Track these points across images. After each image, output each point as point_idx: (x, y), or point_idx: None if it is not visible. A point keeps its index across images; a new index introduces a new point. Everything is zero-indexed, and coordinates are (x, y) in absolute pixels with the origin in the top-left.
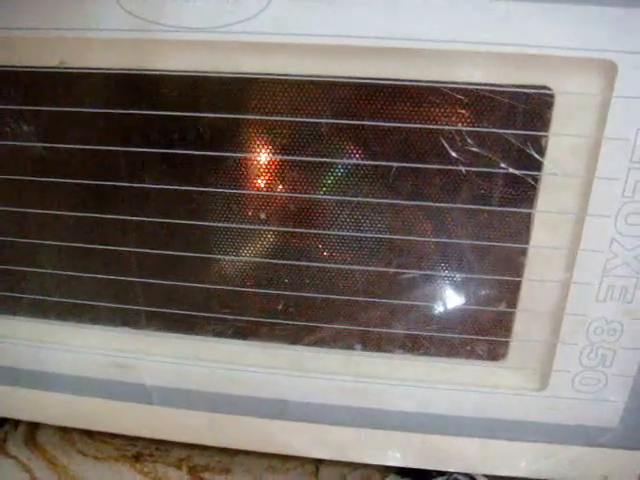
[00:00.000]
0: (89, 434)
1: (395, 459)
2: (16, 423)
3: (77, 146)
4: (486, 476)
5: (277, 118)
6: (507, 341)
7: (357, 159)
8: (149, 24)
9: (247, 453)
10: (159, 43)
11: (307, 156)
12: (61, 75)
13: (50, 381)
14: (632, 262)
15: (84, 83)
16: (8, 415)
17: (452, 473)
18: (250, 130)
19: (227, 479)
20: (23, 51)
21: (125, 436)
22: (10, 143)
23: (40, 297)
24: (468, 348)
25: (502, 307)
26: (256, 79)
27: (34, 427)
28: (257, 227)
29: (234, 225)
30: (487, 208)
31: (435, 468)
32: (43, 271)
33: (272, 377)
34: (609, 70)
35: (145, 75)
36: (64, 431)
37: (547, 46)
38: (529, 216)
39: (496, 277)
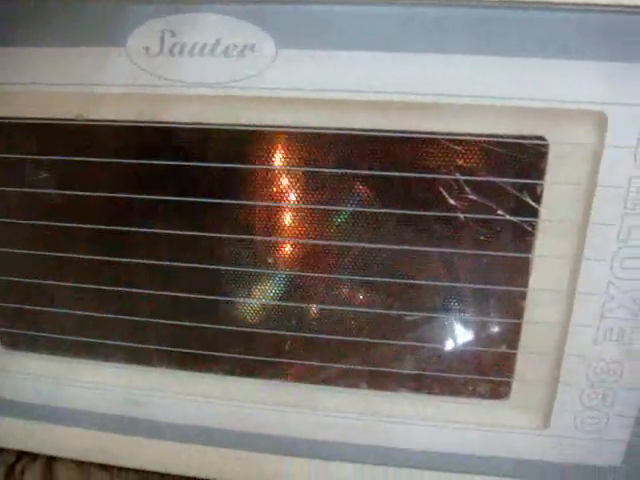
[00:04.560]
0: (105, 468)
1: None
2: (34, 457)
3: (93, 193)
4: None
5: (283, 168)
6: (509, 381)
7: (359, 207)
8: (159, 80)
9: None
10: (168, 97)
11: (312, 204)
12: (78, 127)
13: (66, 416)
14: (629, 304)
15: (100, 134)
16: (26, 449)
17: None
18: (258, 179)
19: None
20: (43, 105)
21: (140, 471)
22: (30, 190)
23: (56, 335)
24: (471, 387)
25: (504, 348)
26: (262, 131)
27: (51, 461)
28: (264, 270)
29: (242, 269)
30: (487, 253)
31: None
32: (59, 310)
33: (280, 414)
34: (600, 121)
35: (156, 127)
36: (80, 465)
37: (541, 99)
38: (527, 260)
39: (497, 319)
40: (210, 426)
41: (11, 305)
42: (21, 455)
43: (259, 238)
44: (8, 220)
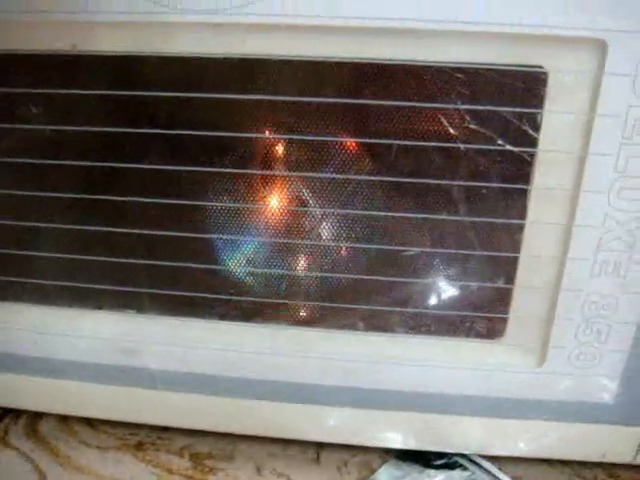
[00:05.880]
0: (91, 425)
1: (395, 441)
2: (17, 416)
3: (83, 128)
4: (485, 457)
5: (280, 98)
6: (505, 318)
7: (359, 138)
8: (156, 6)
9: (249, 440)
10: (165, 25)
11: (310, 135)
12: (69, 59)
13: (53, 368)
14: (625, 236)
15: (93, 67)
16: (10, 405)
17: (452, 456)
18: (253, 112)
19: (229, 466)
20: (36, 35)
21: (127, 426)
22: (18, 126)
23: (42, 282)
24: (467, 325)
25: (500, 284)
26: (260, 60)
27: (35, 420)
28: (259, 206)
29: (236, 205)
30: (485, 185)
31: (434, 449)
32: (46, 255)
33: (274, 358)
34: (600, 48)
35: (151, 57)
36: (66, 423)
37: (540, 25)
38: (526, 192)
39: (494, 254)
40: (203, 373)
41: None
42: (4, 415)
43: (254, 172)
44: None
